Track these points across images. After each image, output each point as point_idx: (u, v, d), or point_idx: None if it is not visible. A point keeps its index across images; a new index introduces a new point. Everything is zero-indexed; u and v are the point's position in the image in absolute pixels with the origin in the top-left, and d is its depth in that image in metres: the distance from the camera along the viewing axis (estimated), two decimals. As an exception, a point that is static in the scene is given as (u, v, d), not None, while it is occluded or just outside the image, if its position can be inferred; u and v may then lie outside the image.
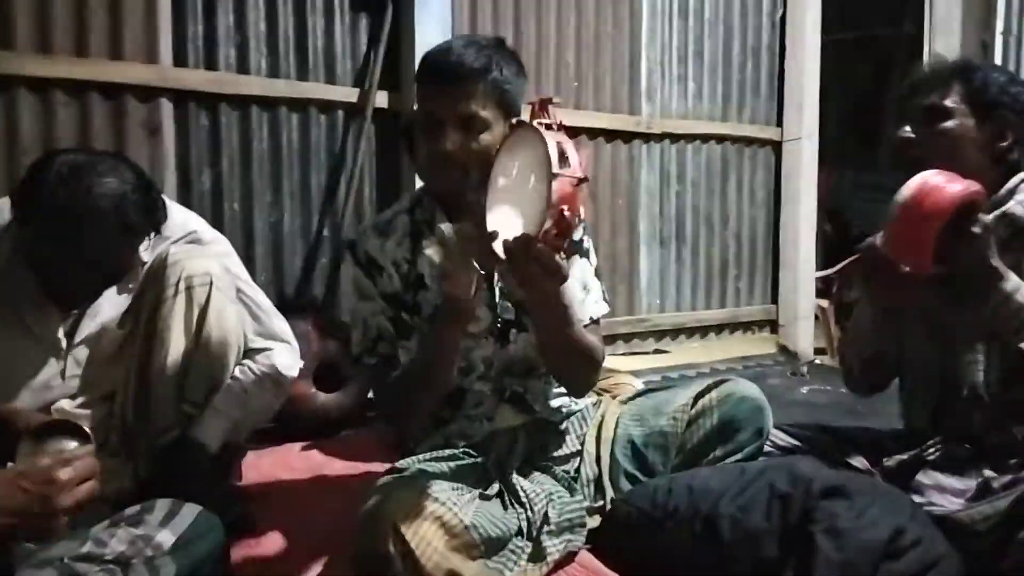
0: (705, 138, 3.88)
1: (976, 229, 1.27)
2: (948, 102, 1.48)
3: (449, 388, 1.46)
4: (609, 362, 1.91)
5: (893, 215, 1.29)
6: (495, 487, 1.42)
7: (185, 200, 2.57)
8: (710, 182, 3.93)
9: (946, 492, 1.33)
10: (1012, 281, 1.31)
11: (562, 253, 1.18)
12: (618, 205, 3.62)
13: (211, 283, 1.57)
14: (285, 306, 2.68)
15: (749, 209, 4.09)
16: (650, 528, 1.40)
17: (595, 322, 1.54)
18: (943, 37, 4.46)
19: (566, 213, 1.12)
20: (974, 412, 1.45)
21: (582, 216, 1.20)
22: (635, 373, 2.95)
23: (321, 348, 2.50)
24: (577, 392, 1.56)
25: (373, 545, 1.21)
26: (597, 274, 1.58)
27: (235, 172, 2.71)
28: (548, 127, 1.20)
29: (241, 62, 2.69)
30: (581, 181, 1.14)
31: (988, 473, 1.30)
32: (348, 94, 2.88)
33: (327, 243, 2.88)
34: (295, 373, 1.74)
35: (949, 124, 1.46)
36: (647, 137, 3.67)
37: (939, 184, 1.26)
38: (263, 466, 2.07)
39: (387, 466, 1.53)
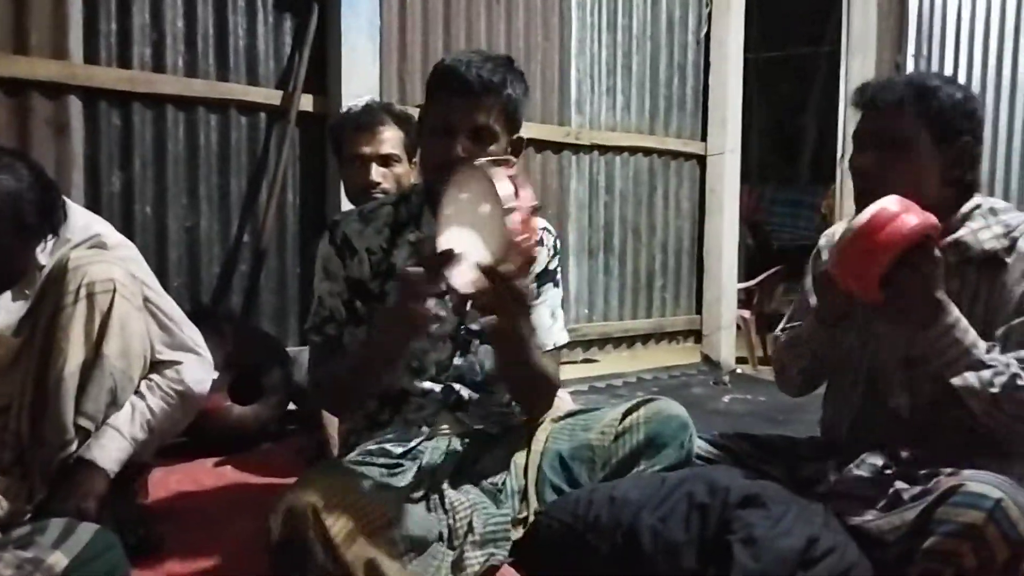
0: (633, 150, 3.93)
1: (927, 264, 1.26)
2: (905, 130, 1.41)
3: (385, 384, 1.48)
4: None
5: (846, 240, 1.28)
6: (421, 492, 1.41)
7: (94, 202, 2.47)
8: (637, 194, 3.98)
9: (857, 501, 1.35)
10: (952, 315, 1.31)
11: (531, 280, 1.30)
12: (547, 215, 3.63)
13: (114, 289, 1.49)
14: (201, 313, 2.60)
15: (675, 221, 4.16)
16: (572, 540, 1.39)
17: (557, 349, 1.61)
18: (859, 57, 4.65)
19: (529, 239, 1.24)
20: (894, 426, 1.48)
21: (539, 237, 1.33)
22: (562, 383, 2.94)
23: (239, 358, 2.41)
24: (531, 413, 1.62)
25: (291, 531, 1.18)
26: (562, 304, 1.66)
27: (148, 174, 2.61)
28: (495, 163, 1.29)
29: (157, 60, 2.60)
30: (535, 209, 1.26)
31: (899, 484, 1.32)
32: (270, 96, 2.80)
33: (247, 249, 2.80)
34: (207, 387, 1.66)
35: (907, 155, 1.41)
36: (576, 148, 3.69)
37: (895, 215, 1.25)
38: (171, 483, 1.99)
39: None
